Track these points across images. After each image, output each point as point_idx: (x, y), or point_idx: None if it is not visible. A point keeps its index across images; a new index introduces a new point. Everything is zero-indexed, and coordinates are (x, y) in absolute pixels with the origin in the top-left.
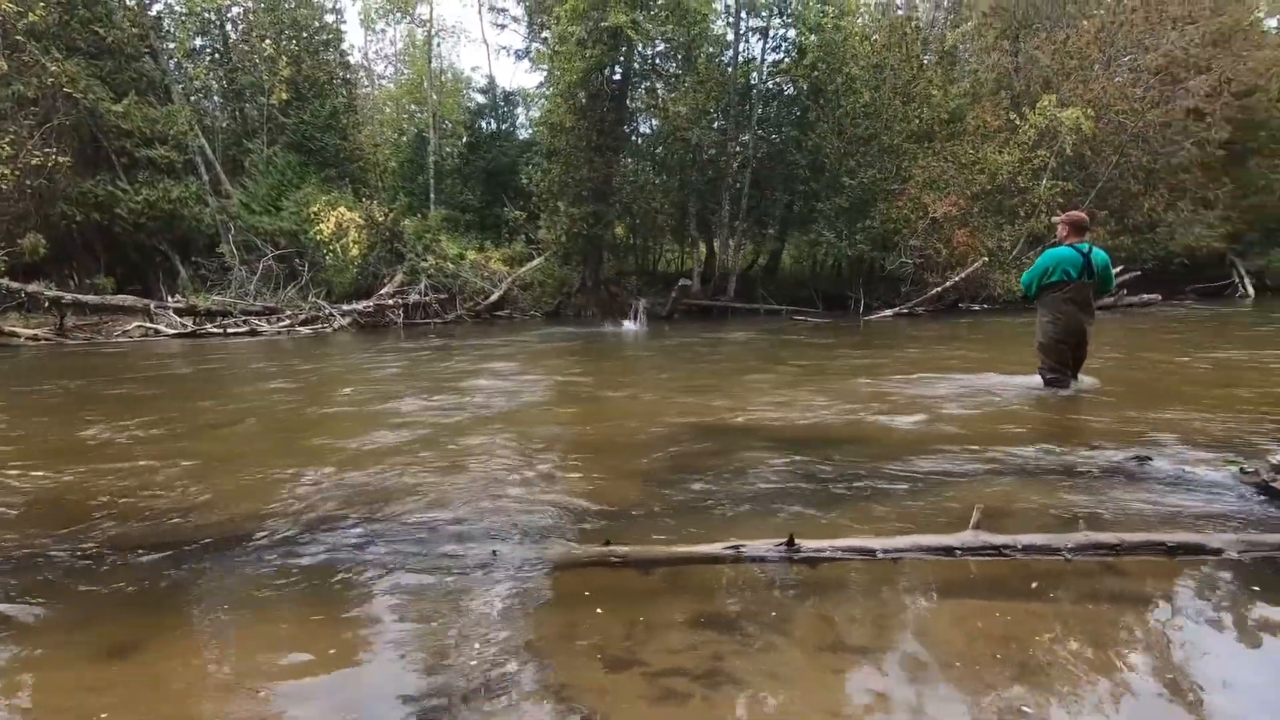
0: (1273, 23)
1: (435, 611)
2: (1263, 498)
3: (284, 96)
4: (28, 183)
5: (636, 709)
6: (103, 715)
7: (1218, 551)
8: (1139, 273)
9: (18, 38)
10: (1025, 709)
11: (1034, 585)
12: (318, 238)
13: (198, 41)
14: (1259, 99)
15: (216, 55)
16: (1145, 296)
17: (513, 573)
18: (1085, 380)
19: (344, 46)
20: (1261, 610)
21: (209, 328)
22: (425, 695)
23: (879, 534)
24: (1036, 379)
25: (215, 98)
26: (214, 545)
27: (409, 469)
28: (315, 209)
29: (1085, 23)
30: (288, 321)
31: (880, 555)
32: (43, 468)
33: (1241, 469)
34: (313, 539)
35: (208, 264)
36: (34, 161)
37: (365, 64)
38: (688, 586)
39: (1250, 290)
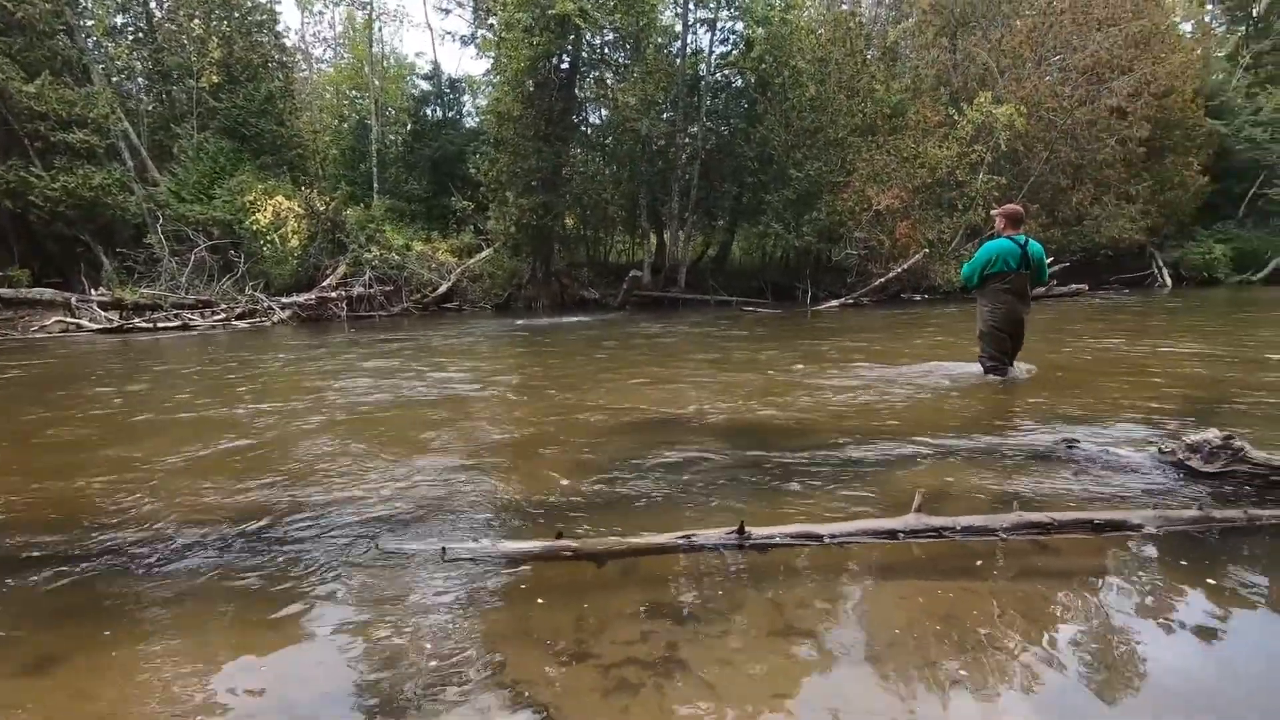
0: (1187, 27)
1: (382, 611)
2: (1179, 476)
3: (214, 79)
4: None
5: (590, 701)
6: None
7: (1139, 527)
8: (1067, 264)
9: None
10: (964, 680)
11: (973, 564)
12: (254, 227)
13: (119, 19)
14: (1175, 99)
15: (140, 34)
16: (1073, 286)
17: (462, 569)
18: (1021, 367)
19: (279, 28)
20: (1177, 581)
21: (137, 322)
22: (375, 697)
23: (825, 520)
24: (976, 366)
25: (139, 79)
26: (134, 553)
27: (352, 467)
28: (251, 198)
29: (1019, 22)
30: (223, 315)
31: (827, 540)
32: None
33: (1160, 449)
34: (243, 542)
35: (135, 255)
36: None
37: (303, 47)
38: (640, 577)
39: (1168, 280)
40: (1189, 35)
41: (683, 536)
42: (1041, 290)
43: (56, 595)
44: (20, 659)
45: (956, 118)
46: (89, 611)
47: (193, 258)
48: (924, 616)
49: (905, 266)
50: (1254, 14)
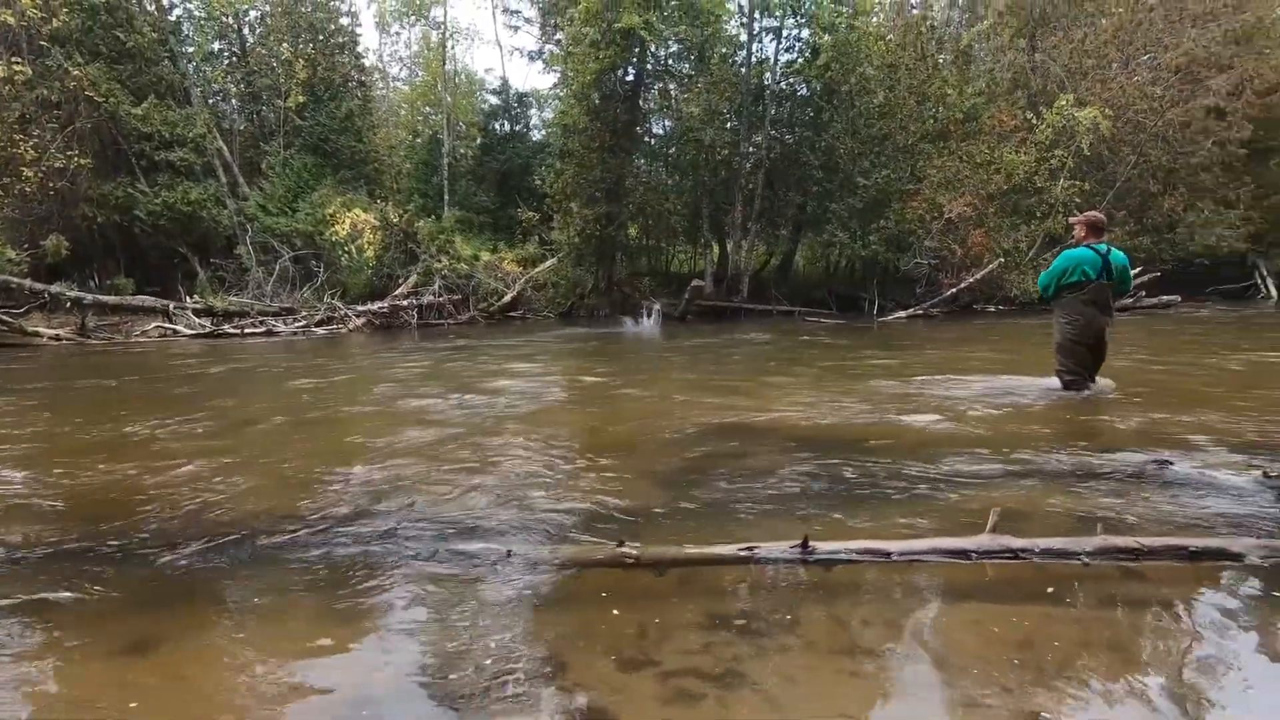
0: None
1: (450, 609)
2: None
3: (300, 99)
4: (50, 185)
5: (650, 709)
6: (131, 706)
7: (1240, 557)
8: (1158, 274)
9: (42, 43)
10: (1045, 715)
11: (1051, 590)
12: (333, 239)
13: (216, 45)
14: None
15: (234, 59)
16: (1165, 298)
17: (527, 572)
18: (1102, 382)
19: (359, 49)
20: None
21: (226, 328)
22: (439, 692)
23: (894, 536)
24: (1054, 381)
25: (233, 100)
26: (233, 541)
27: (426, 468)
28: (331, 210)
29: (1104, 21)
30: (304, 322)
31: (895, 558)
32: (74, 464)
33: (1265, 473)
34: (330, 535)
35: (225, 265)
36: (57, 164)
37: (380, 66)
38: (701, 588)
39: (1273, 291)
40: None
41: (745, 548)
42: (1129, 301)
43: (161, 582)
44: (129, 637)
45: (1035, 122)
46: (193, 594)
47: (277, 267)
48: (998, 642)
49: (978, 276)
50: None
